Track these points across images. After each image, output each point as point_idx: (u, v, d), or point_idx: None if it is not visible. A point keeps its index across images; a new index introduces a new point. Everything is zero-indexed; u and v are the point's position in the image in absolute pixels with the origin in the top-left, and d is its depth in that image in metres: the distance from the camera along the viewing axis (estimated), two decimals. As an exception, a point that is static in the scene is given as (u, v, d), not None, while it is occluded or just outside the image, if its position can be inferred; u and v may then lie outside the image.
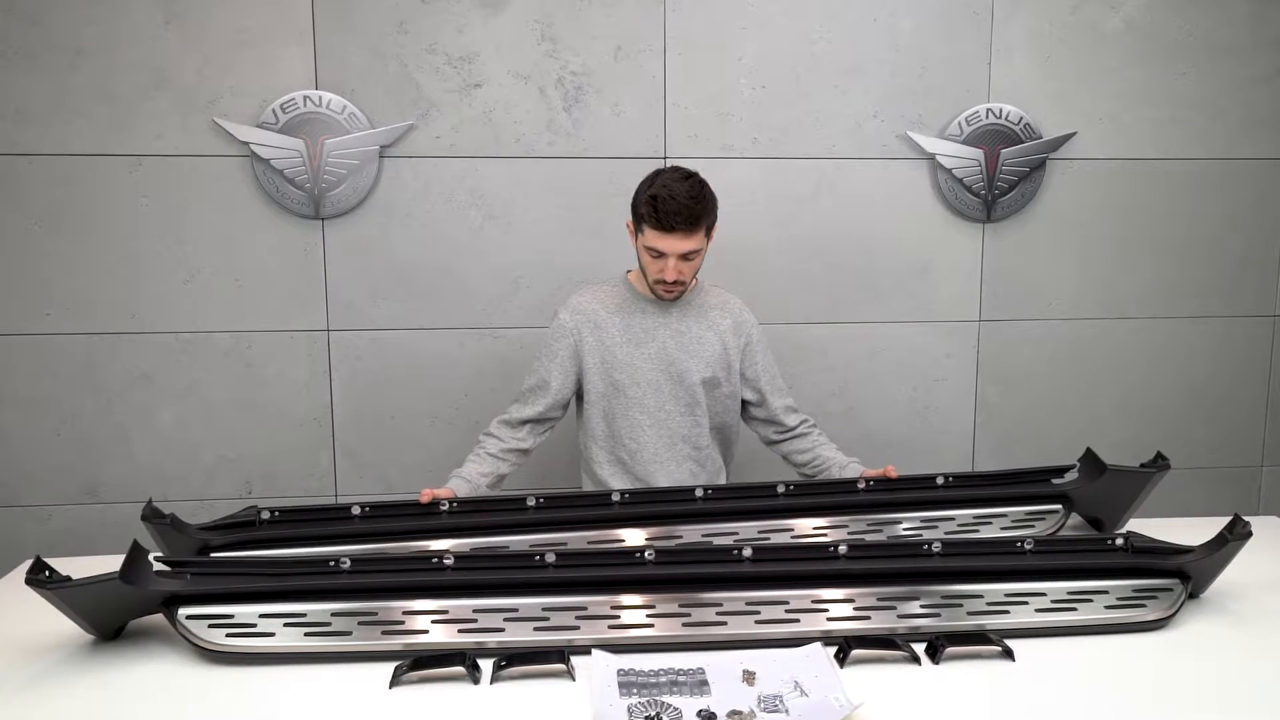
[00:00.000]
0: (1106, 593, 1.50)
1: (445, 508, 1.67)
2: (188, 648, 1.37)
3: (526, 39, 2.40)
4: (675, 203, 1.81)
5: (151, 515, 1.55)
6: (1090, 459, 1.77)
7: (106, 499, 2.48)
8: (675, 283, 1.89)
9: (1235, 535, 1.51)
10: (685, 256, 1.86)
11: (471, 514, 1.68)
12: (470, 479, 1.86)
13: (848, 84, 2.51)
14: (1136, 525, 1.97)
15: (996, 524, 1.71)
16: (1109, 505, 1.79)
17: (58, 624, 1.40)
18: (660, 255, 1.86)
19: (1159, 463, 1.75)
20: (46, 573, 1.32)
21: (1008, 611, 1.46)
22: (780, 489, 1.72)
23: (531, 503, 1.68)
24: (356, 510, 1.63)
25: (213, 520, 1.63)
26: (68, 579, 1.32)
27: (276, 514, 1.62)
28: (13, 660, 1.38)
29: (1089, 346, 2.70)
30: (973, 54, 2.53)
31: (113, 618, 1.40)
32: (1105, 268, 2.67)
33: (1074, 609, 1.47)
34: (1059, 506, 1.75)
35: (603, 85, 2.44)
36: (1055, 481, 1.78)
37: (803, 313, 2.59)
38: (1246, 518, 1.56)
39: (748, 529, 1.67)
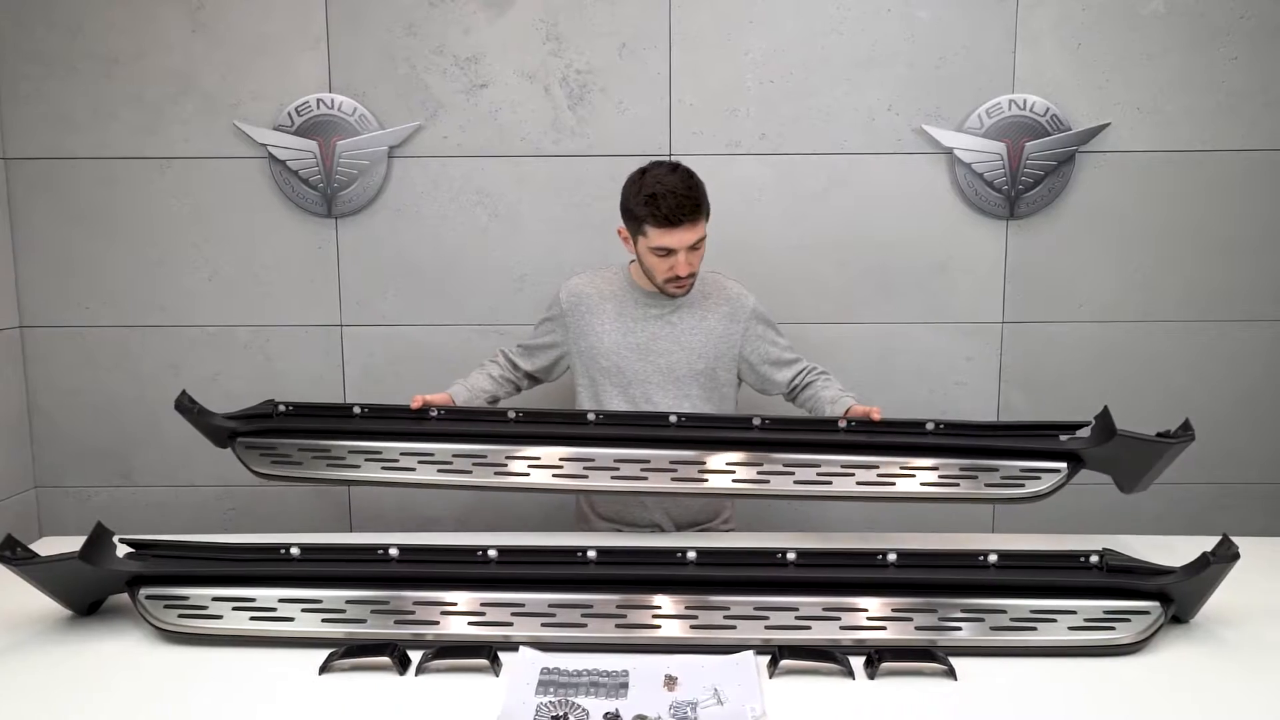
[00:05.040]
0: (1074, 613, 1.41)
1: (434, 414, 1.81)
2: (148, 626, 1.44)
3: (532, 38, 2.42)
4: (675, 196, 1.80)
5: (184, 405, 1.81)
6: (1105, 419, 1.59)
7: (140, 482, 2.62)
8: (689, 276, 1.87)
9: (1219, 557, 1.40)
10: (694, 247, 1.84)
11: (456, 421, 1.81)
12: (471, 389, 1.98)
13: (860, 77, 2.43)
14: (1142, 541, 1.85)
15: (983, 479, 1.56)
16: (1124, 471, 1.63)
17: (39, 599, 1.50)
18: (669, 253, 1.84)
19: (1181, 434, 1.55)
20: (17, 549, 1.41)
21: (959, 628, 1.39)
22: (756, 422, 1.66)
23: (512, 415, 1.78)
24: (357, 410, 1.82)
25: (238, 410, 1.85)
26: (33, 556, 1.41)
27: (290, 408, 1.84)
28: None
29: (1123, 351, 2.54)
30: (995, 42, 2.41)
31: (80, 594, 1.48)
32: (1142, 267, 2.51)
33: (1034, 629, 1.39)
34: (1064, 465, 1.59)
35: (607, 83, 2.44)
36: (1063, 439, 1.62)
37: (813, 313, 2.53)
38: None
39: (716, 460, 1.63)
